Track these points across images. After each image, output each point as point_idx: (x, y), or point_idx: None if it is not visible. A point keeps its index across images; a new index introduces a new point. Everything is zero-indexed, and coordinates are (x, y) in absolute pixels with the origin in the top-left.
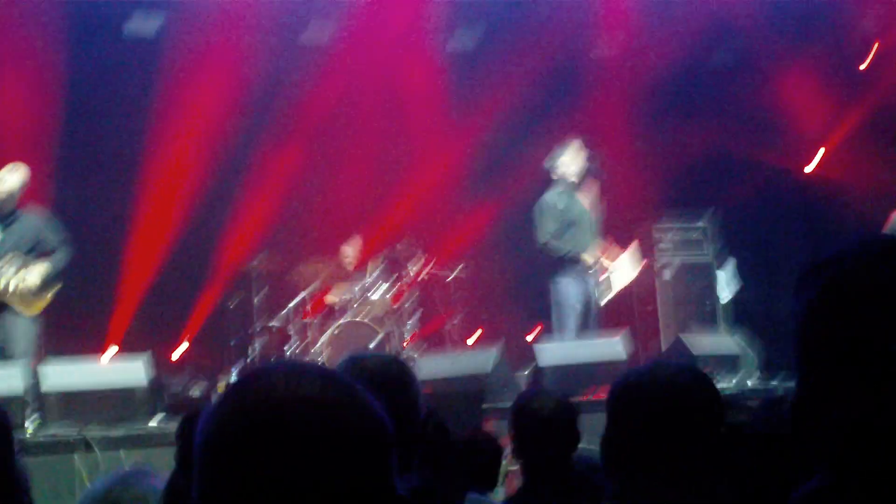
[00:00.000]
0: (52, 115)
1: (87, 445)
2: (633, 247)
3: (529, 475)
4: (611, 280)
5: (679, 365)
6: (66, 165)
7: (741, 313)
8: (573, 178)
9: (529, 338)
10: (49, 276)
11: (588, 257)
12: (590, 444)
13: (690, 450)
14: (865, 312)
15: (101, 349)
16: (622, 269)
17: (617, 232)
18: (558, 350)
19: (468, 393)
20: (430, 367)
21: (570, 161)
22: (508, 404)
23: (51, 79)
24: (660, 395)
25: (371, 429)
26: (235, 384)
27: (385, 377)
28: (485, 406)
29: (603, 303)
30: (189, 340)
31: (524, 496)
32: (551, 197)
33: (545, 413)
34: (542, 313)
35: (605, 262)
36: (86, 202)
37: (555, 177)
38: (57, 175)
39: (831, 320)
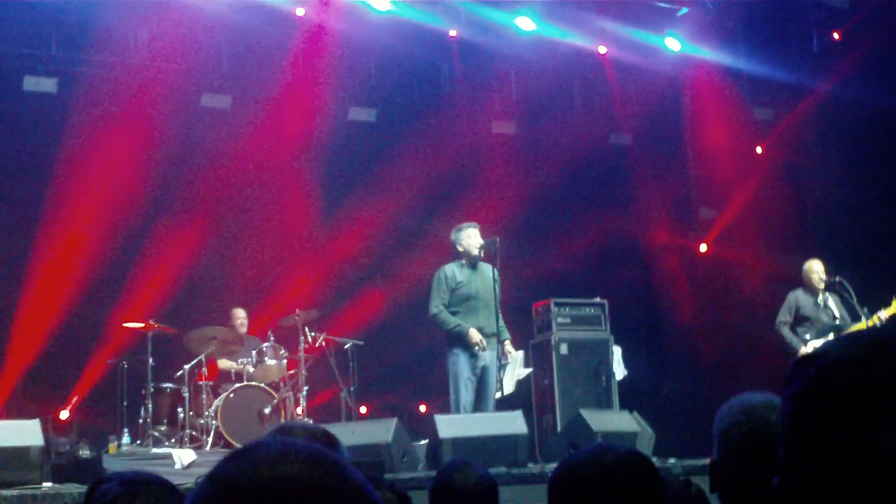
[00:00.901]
0: None
1: None
2: (521, 354)
3: None
4: (506, 377)
5: (624, 449)
6: None
7: (631, 395)
8: (475, 253)
9: (423, 409)
10: None
11: (474, 335)
12: None
13: None
14: (853, 404)
15: None
16: (517, 368)
17: (515, 307)
18: (458, 422)
19: (370, 463)
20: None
21: (472, 236)
22: (409, 475)
23: None
24: (608, 482)
25: None
26: (220, 464)
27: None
28: (386, 476)
29: (498, 396)
30: (79, 401)
31: None
32: (451, 268)
33: (469, 487)
34: (435, 389)
35: (509, 348)
36: None
37: (459, 249)
38: None
39: (819, 411)
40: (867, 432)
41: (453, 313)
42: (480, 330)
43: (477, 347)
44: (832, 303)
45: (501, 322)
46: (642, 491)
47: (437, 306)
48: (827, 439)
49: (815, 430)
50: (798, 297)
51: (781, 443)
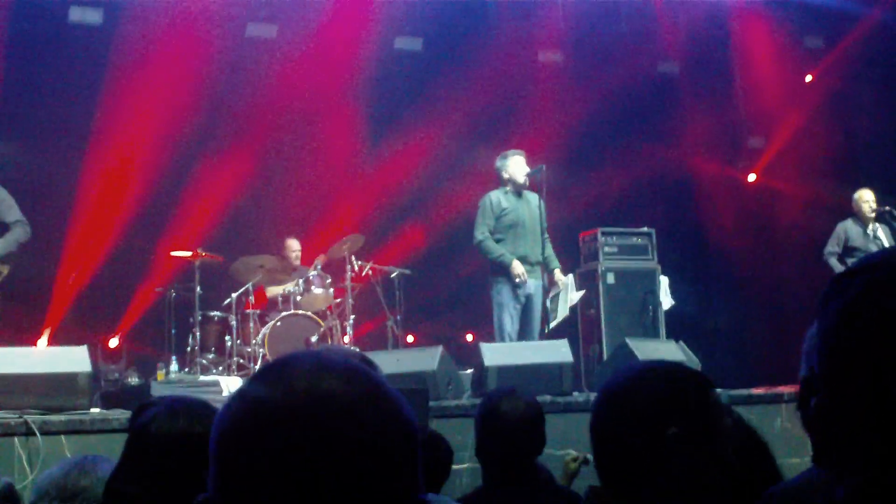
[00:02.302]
0: None
1: (27, 430)
2: (570, 278)
3: (491, 476)
4: (560, 302)
5: (667, 365)
6: (8, 147)
7: (677, 325)
8: (521, 181)
9: (469, 338)
10: (1, 255)
11: (517, 268)
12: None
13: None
14: None
15: (34, 338)
16: (569, 293)
17: (561, 237)
18: (504, 350)
19: (415, 390)
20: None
21: (518, 164)
22: (454, 403)
23: None
24: (653, 396)
25: (396, 428)
26: (256, 376)
27: None
28: (431, 404)
29: (554, 323)
30: (127, 329)
31: (483, 497)
32: (496, 195)
33: (516, 415)
34: (481, 318)
35: (559, 276)
36: (26, 188)
37: (504, 176)
38: None
39: (866, 328)
40: None
41: (498, 240)
42: (525, 258)
43: (518, 280)
44: (882, 233)
45: (549, 250)
46: (683, 408)
47: (482, 233)
48: (872, 358)
49: (861, 348)
50: (847, 227)
51: (820, 361)
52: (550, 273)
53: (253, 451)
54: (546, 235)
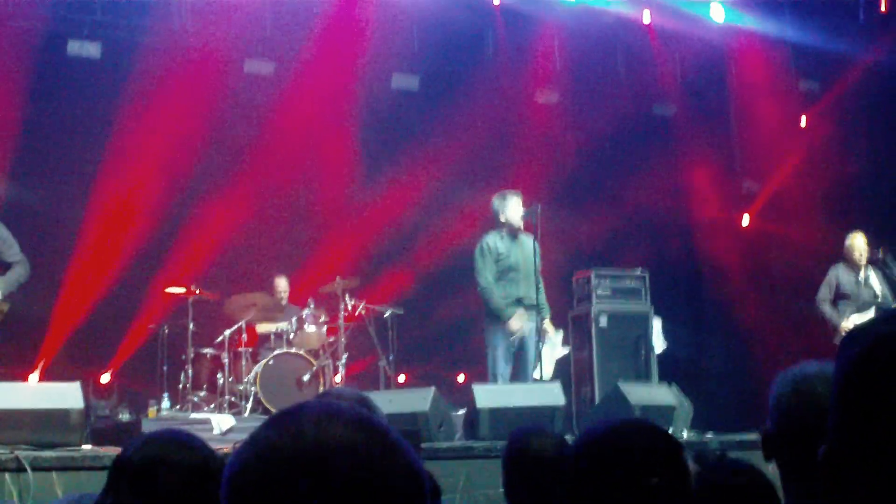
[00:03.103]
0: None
1: (18, 465)
2: (560, 335)
3: None
4: (545, 360)
5: (643, 422)
6: (5, 184)
7: (670, 368)
8: (517, 224)
9: (461, 378)
10: (2, 292)
11: (513, 326)
12: None
13: None
14: None
15: (26, 373)
16: (555, 348)
17: (555, 277)
18: (496, 392)
19: (407, 432)
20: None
21: (516, 206)
22: (446, 444)
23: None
24: (624, 454)
25: (404, 478)
26: (265, 424)
27: None
28: (423, 445)
29: (536, 376)
30: (119, 365)
31: None
32: (492, 239)
33: (549, 454)
34: (473, 358)
35: (548, 326)
36: (24, 224)
37: (501, 219)
38: None
39: (872, 383)
40: None
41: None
42: (520, 300)
43: (512, 338)
44: (874, 279)
45: (542, 296)
46: (661, 462)
47: (486, 280)
48: (879, 412)
49: (867, 402)
50: (839, 273)
51: (831, 410)
52: (542, 320)
53: (262, 494)
54: (540, 279)
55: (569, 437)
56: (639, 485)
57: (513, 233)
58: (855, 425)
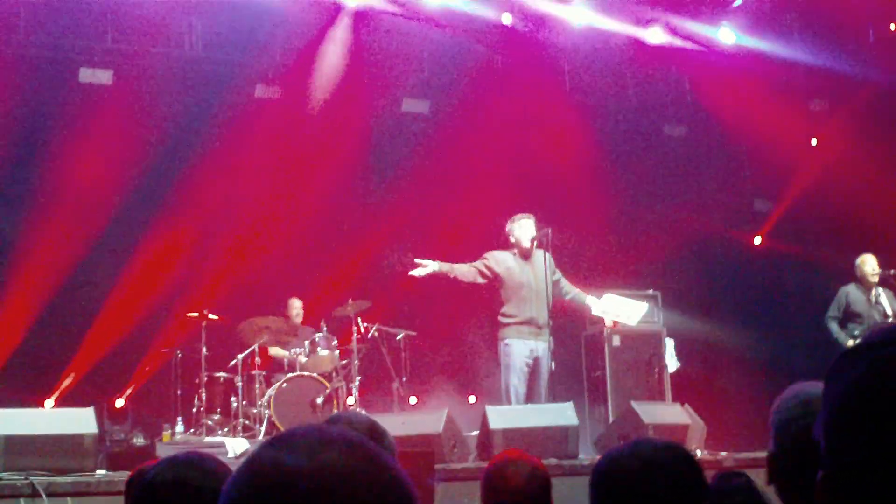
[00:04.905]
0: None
1: (33, 491)
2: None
3: None
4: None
5: (661, 442)
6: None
7: (683, 387)
8: (526, 245)
9: (472, 399)
10: None
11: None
12: None
13: None
14: None
15: (42, 399)
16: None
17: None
18: (509, 413)
19: (421, 453)
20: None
21: (525, 229)
22: (459, 466)
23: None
24: (644, 475)
25: (391, 494)
26: (258, 450)
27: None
28: (437, 466)
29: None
30: (134, 390)
31: None
32: (502, 254)
33: (521, 482)
34: (486, 379)
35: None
36: (48, 253)
37: (511, 240)
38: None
39: (871, 406)
40: None
41: (505, 300)
42: (531, 320)
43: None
44: (884, 299)
45: (571, 288)
46: (681, 481)
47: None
48: (877, 435)
49: (866, 425)
50: (849, 292)
51: (826, 436)
52: (586, 307)
53: None
54: (550, 299)
55: (583, 457)
56: None
57: (524, 254)
58: (852, 451)
